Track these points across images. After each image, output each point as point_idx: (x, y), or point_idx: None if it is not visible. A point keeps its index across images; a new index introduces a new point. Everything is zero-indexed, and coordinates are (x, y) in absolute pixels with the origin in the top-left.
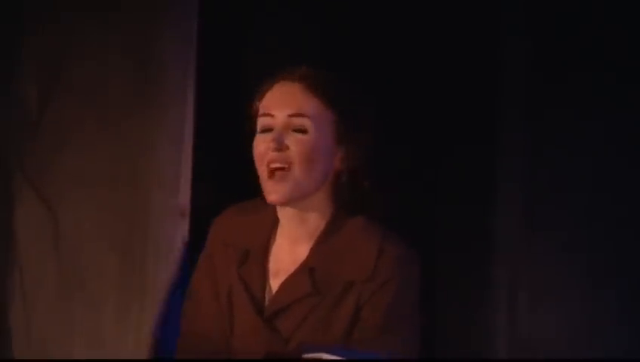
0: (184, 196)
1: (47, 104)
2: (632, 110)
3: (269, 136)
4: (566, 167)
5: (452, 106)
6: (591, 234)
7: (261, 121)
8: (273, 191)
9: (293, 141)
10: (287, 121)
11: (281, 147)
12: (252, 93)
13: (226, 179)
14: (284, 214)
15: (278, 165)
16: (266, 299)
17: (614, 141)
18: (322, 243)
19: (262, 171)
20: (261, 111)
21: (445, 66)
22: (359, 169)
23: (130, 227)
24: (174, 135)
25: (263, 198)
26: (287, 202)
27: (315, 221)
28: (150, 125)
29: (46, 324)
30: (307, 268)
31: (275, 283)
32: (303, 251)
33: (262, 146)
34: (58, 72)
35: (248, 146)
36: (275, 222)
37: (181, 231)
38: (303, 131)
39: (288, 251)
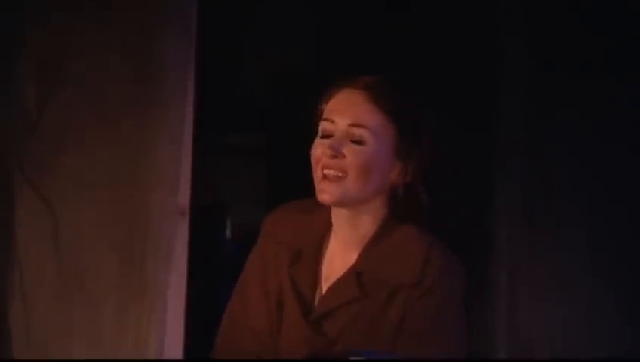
0: (184, 195)
1: (46, 104)
2: (632, 109)
3: (327, 141)
4: (566, 167)
5: (452, 106)
6: (591, 234)
7: (322, 126)
8: (325, 191)
9: (350, 151)
10: (346, 129)
11: (337, 155)
12: (252, 92)
13: (227, 179)
14: (338, 217)
15: (332, 172)
16: (316, 301)
17: (614, 140)
18: (371, 248)
19: (316, 173)
20: (324, 115)
21: (445, 66)
22: (417, 182)
23: (130, 227)
24: (174, 134)
25: (316, 199)
26: (337, 203)
27: (367, 227)
28: (150, 124)
29: (46, 324)
30: (355, 272)
31: (325, 287)
32: (354, 257)
33: (319, 150)
34: (57, 72)
35: (250, 146)
36: (328, 225)
37: (181, 230)
38: (361, 142)
39: (341, 256)
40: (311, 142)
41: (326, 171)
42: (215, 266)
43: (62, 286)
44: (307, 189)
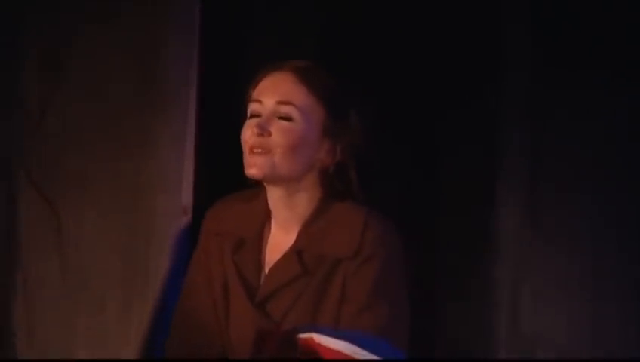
0: (186, 196)
1: (48, 104)
2: (633, 108)
3: (255, 121)
4: (567, 167)
5: (453, 106)
6: (593, 234)
7: (250, 107)
8: (253, 165)
9: (277, 128)
10: (274, 107)
11: (263, 132)
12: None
13: (228, 180)
14: (274, 200)
15: (259, 150)
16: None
17: (615, 140)
18: (309, 226)
19: (245, 153)
20: (252, 98)
21: (446, 65)
22: (347, 161)
23: (133, 227)
24: (177, 134)
25: (253, 189)
26: (266, 177)
27: (304, 206)
28: (153, 124)
29: (48, 324)
30: (295, 251)
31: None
32: (294, 238)
33: (248, 132)
34: (59, 72)
35: None
36: (268, 212)
37: (183, 231)
38: (288, 119)
39: (281, 240)
40: None
41: (254, 150)
42: None
43: (65, 287)
44: None
